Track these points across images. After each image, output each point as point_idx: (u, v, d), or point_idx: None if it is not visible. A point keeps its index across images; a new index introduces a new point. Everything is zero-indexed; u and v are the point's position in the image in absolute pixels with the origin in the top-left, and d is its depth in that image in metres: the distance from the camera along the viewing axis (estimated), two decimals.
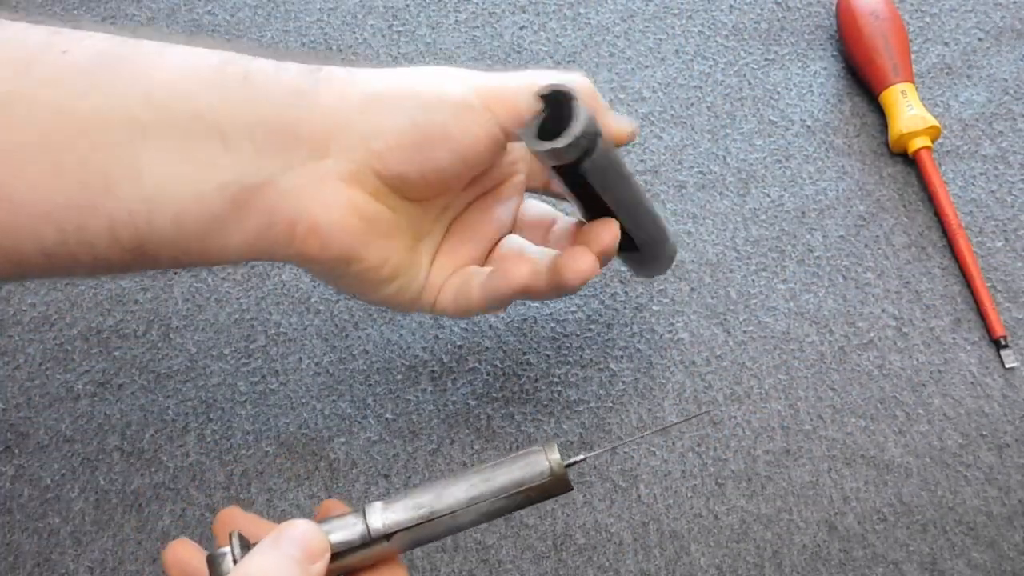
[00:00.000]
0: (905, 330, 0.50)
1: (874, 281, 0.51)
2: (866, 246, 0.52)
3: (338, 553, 0.32)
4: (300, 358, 0.49)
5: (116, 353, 0.49)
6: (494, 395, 0.48)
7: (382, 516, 0.33)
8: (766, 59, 0.59)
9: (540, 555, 0.44)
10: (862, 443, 0.47)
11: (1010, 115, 0.56)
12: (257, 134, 0.34)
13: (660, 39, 0.59)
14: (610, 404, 0.48)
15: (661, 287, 0.51)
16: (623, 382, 0.49)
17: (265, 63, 0.36)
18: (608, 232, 0.39)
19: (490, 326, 0.50)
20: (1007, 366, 0.49)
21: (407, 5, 0.61)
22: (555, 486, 0.33)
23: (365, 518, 0.32)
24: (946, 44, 0.59)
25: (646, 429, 0.47)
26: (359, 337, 0.50)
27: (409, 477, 0.46)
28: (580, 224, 0.41)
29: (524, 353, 0.49)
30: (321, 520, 0.33)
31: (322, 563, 0.31)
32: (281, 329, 0.50)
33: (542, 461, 0.33)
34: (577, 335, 0.50)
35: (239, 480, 0.46)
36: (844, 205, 0.54)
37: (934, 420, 0.48)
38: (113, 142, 0.33)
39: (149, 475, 0.46)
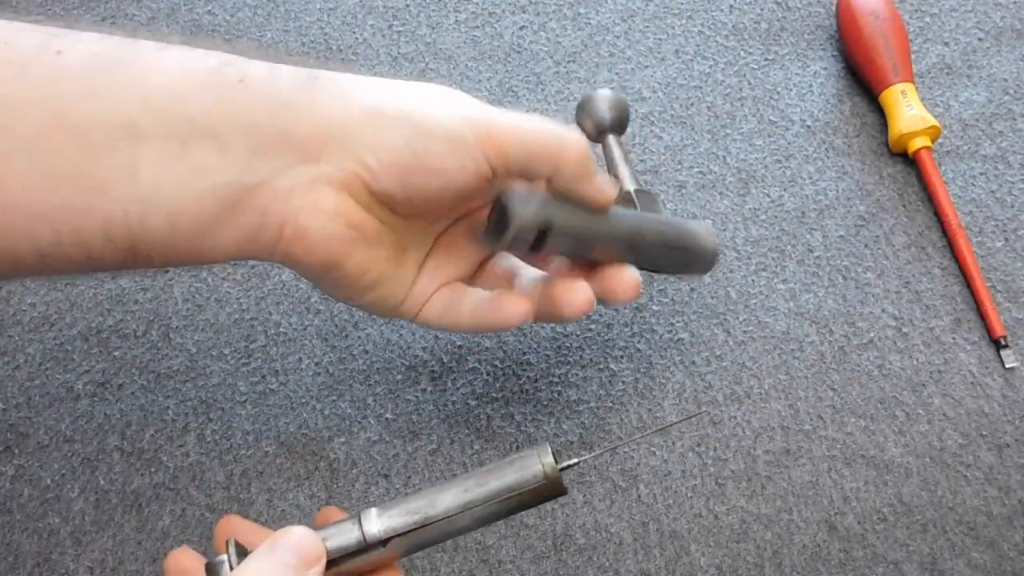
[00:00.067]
0: (905, 330, 0.50)
1: (874, 281, 0.51)
2: (866, 246, 0.52)
3: (334, 559, 0.32)
4: (300, 358, 0.49)
5: (116, 353, 0.49)
6: (494, 395, 0.48)
7: (378, 522, 0.33)
8: (766, 59, 0.59)
9: (540, 555, 0.44)
10: (862, 443, 0.47)
11: (1010, 115, 0.56)
12: (252, 137, 0.34)
13: (660, 39, 0.59)
14: (610, 404, 0.48)
15: (661, 287, 0.51)
16: (623, 382, 0.49)
17: (263, 66, 0.36)
18: (593, 289, 0.40)
19: None
20: (1007, 366, 0.49)
21: (407, 5, 0.61)
22: (549, 490, 0.33)
23: (360, 524, 0.32)
24: (946, 44, 0.59)
25: (646, 429, 0.47)
26: (359, 337, 0.50)
27: (409, 477, 0.46)
28: None
29: (524, 353, 0.49)
30: (317, 527, 0.33)
31: (317, 569, 0.31)
32: (281, 329, 0.50)
33: (536, 465, 0.33)
34: (577, 335, 0.50)
35: (239, 480, 0.46)
36: (844, 205, 0.54)
37: (934, 420, 0.48)
38: (109, 145, 0.33)
39: (149, 475, 0.46)
